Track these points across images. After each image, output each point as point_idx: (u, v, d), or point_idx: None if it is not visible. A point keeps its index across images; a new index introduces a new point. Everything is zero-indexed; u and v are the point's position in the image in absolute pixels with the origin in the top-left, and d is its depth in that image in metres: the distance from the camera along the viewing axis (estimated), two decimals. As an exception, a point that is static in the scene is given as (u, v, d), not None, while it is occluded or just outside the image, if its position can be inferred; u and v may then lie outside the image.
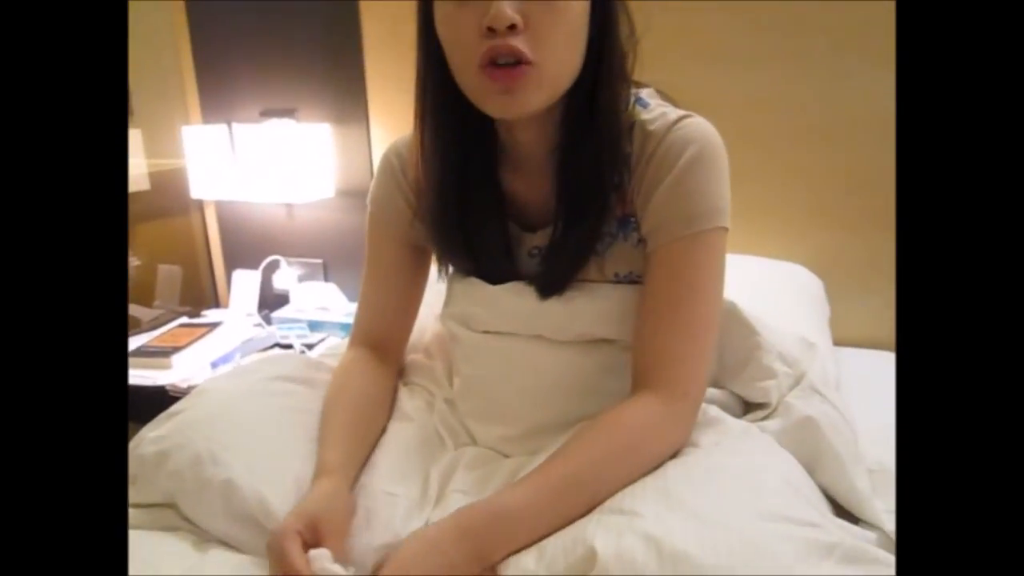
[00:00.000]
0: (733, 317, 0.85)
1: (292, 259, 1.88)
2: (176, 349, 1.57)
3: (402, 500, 0.73)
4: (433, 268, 0.92)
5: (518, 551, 0.61)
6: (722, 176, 0.74)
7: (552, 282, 0.79)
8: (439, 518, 0.64)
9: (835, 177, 1.41)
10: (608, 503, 0.62)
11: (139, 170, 2.00)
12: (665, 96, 0.81)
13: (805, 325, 1.09)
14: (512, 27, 0.65)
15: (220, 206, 1.97)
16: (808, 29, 1.36)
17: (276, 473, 0.73)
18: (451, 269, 0.89)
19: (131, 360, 1.54)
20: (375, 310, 0.92)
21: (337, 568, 0.60)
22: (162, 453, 0.75)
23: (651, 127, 0.75)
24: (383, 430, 0.83)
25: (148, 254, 2.00)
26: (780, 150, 1.42)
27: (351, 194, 1.81)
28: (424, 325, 1.00)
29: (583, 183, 0.75)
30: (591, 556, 0.56)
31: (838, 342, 1.27)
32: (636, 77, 0.77)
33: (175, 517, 0.75)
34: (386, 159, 0.89)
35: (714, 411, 0.76)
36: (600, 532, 0.58)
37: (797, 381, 0.83)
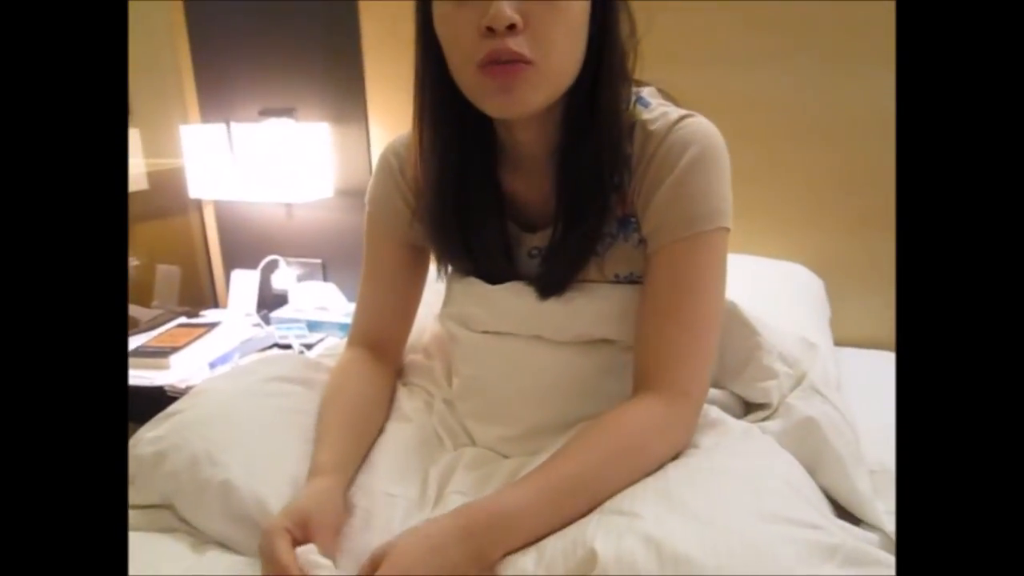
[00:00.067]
0: (734, 317, 0.85)
1: (291, 259, 1.88)
2: (174, 349, 1.57)
3: (401, 501, 0.73)
4: (432, 268, 0.91)
5: (517, 551, 0.61)
6: (724, 176, 0.73)
7: (552, 283, 0.78)
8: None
9: (835, 177, 1.41)
10: (608, 504, 0.62)
11: (137, 170, 1.99)
12: (666, 95, 0.81)
13: (805, 325, 1.09)
14: (512, 27, 0.64)
15: (219, 206, 1.97)
16: (809, 29, 1.36)
17: (274, 474, 0.73)
18: (450, 269, 0.89)
19: (129, 360, 1.54)
20: (373, 310, 0.92)
21: (323, 560, 0.60)
22: (159, 454, 0.75)
23: (652, 127, 0.74)
24: (381, 430, 0.83)
25: (146, 254, 2.00)
26: (780, 150, 1.42)
27: (350, 194, 1.80)
28: (423, 325, 1.00)
29: (583, 184, 0.74)
30: (591, 558, 0.55)
31: (838, 342, 1.27)
32: (637, 76, 0.77)
33: (172, 518, 0.74)
34: (384, 158, 0.88)
35: (715, 412, 0.76)
36: (600, 534, 0.57)
37: (798, 382, 0.83)
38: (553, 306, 0.78)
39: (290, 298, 1.83)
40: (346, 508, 0.70)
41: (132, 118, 1.96)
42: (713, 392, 0.83)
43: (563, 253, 0.77)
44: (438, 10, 0.70)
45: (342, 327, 1.68)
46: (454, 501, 0.72)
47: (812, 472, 0.74)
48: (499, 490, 0.66)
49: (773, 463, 0.69)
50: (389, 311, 0.92)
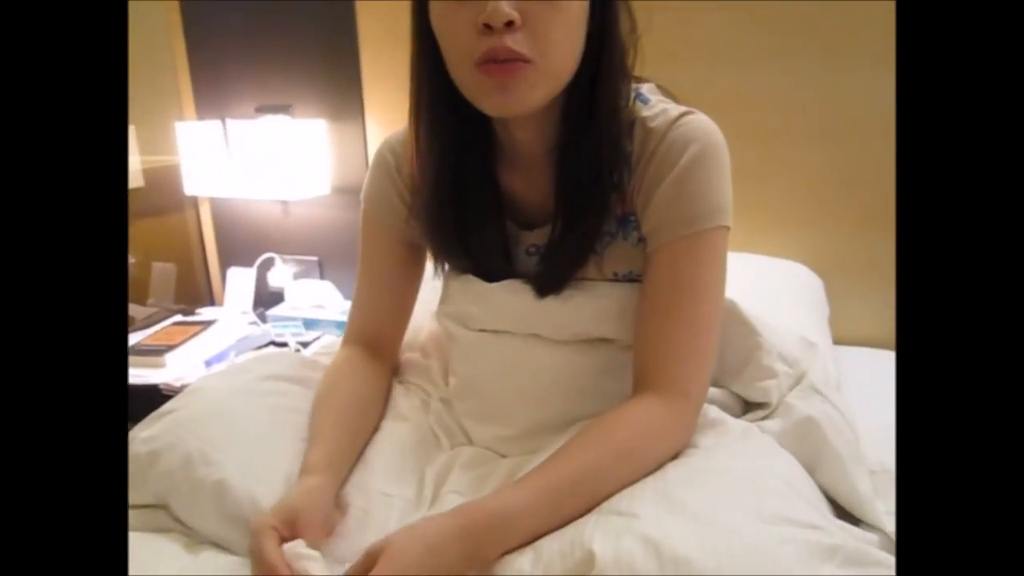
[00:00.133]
0: (733, 316, 0.84)
1: (287, 256, 1.87)
2: (170, 347, 1.56)
3: (397, 501, 0.73)
4: (428, 265, 0.91)
5: (513, 551, 0.60)
6: (724, 174, 0.73)
7: (550, 281, 0.78)
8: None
9: (835, 175, 1.41)
10: (606, 504, 0.61)
11: (133, 167, 1.98)
12: (665, 91, 0.81)
13: (805, 324, 1.09)
14: (509, 24, 0.63)
15: (215, 203, 1.96)
16: (809, 28, 1.36)
17: (269, 473, 0.72)
18: (447, 267, 0.88)
19: (124, 358, 1.53)
20: (369, 308, 0.91)
21: (310, 552, 0.59)
22: (153, 453, 0.74)
23: (652, 124, 0.74)
24: (377, 429, 0.82)
25: (142, 251, 1.99)
26: (780, 148, 1.42)
27: (347, 191, 1.80)
28: (420, 323, 0.99)
29: (583, 182, 0.74)
30: (589, 559, 0.55)
31: (838, 341, 1.27)
32: (636, 74, 0.76)
33: (167, 518, 0.74)
34: (380, 155, 0.88)
35: (714, 412, 0.75)
36: (598, 534, 0.57)
37: (797, 381, 0.83)
38: (551, 304, 0.78)
39: (286, 296, 1.83)
40: (338, 506, 0.70)
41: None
42: (712, 391, 0.83)
43: (562, 252, 0.76)
44: (435, 7, 0.69)
45: (339, 325, 1.67)
46: (451, 501, 0.72)
47: (811, 472, 0.73)
48: (498, 490, 0.66)
49: (773, 463, 0.69)
50: (385, 309, 0.91)
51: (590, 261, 0.77)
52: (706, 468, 0.65)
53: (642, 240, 0.76)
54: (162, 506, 0.74)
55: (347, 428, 0.78)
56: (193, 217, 2.01)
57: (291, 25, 1.74)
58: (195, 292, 2.04)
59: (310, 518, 0.63)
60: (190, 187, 1.83)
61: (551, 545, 0.59)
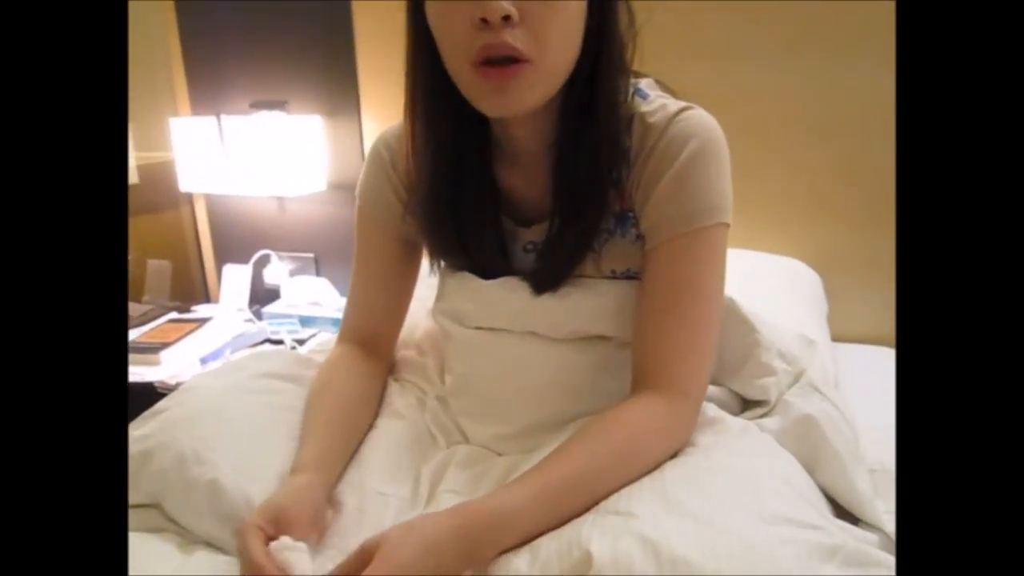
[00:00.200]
0: (732, 314, 0.84)
1: (283, 253, 1.87)
2: (165, 345, 1.56)
3: (393, 500, 0.72)
4: (425, 262, 0.90)
5: (510, 551, 0.60)
6: (724, 171, 0.72)
7: (547, 278, 0.77)
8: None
9: (834, 172, 1.41)
10: (604, 504, 0.61)
11: (128, 163, 1.97)
12: (664, 87, 0.80)
13: (804, 321, 1.09)
14: (507, 19, 0.63)
15: (210, 199, 1.95)
16: (808, 25, 1.36)
17: (263, 472, 0.72)
18: (443, 264, 0.87)
19: (119, 356, 1.52)
20: (364, 306, 0.91)
21: (296, 544, 0.59)
22: (146, 452, 0.73)
23: (651, 119, 0.73)
24: (372, 427, 0.82)
25: (138, 248, 1.98)
26: (779, 145, 1.42)
27: (343, 187, 1.79)
28: (416, 321, 0.98)
29: (581, 179, 0.73)
30: (587, 559, 0.54)
31: (837, 338, 1.26)
32: (635, 69, 0.76)
33: (160, 518, 0.73)
34: (375, 150, 0.87)
35: (713, 410, 0.75)
36: (596, 535, 0.56)
37: (796, 379, 0.82)
38: (548, 302, 0.77)
39: (282, 293, 1.82)
40: (330, 505, 0.70)
41: (122, 111, 1.94)
42: (711, 389, 0.82)
43: (559, 248, 0.76)
44: (432, 4, 0.68)
45: (335, 322, 1.67)
46: (446, 500, 0.71)
47: (811, 471, 0.73)
48: (496, 489, 0.65)
49: (772, 462, 0.68)
50: (380, 306, 0.91)
51: (588, 258, 0.76)
52: (705, 467, 0.64)
53: (640, 237, 0.75)
54: (155, 505, 0.74)
55: (340, 426, 0.78)
56: (188, 214, 2.00)
57: (286, 20, 1.73)
58: (190, 289, 2.03)
59: (296, 516, 0.63)
60: (185, 184, 1.82)
61: (548, 545, 0.58)
